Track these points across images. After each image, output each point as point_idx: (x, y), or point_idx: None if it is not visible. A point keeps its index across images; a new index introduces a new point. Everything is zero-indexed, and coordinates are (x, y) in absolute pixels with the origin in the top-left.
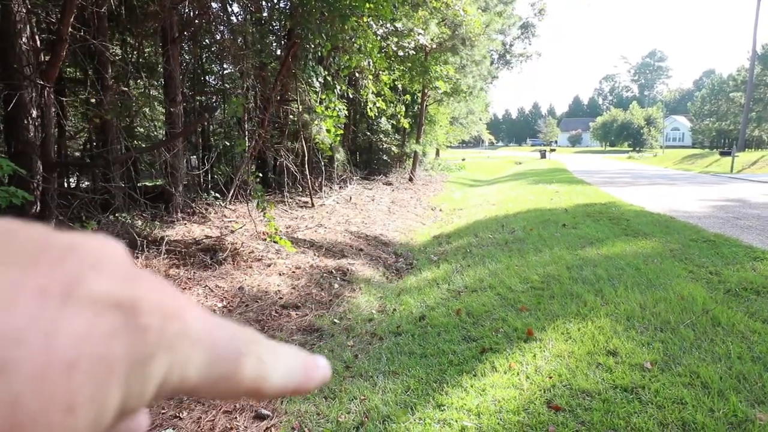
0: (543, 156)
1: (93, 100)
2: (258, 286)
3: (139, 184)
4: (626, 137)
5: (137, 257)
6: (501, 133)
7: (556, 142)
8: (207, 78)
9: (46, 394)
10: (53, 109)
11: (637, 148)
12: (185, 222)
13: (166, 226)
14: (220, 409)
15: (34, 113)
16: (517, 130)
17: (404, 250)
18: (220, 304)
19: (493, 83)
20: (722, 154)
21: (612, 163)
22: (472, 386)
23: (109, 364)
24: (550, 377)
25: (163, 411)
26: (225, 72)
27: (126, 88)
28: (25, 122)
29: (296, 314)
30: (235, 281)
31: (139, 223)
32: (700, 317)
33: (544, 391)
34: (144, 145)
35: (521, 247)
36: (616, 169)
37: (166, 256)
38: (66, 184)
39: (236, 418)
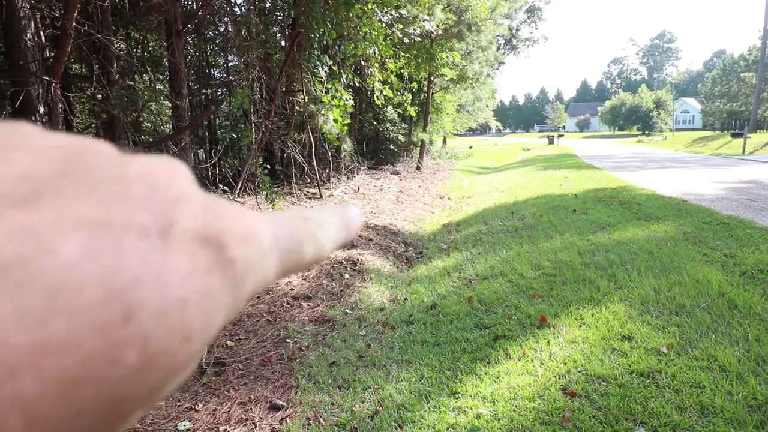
0: (551, 142)
1: (99, 96)
2: None
3: None
4: (635, 121)
5: None
6: (508, 120)
7: (564, 127)
8: (212, 71)
9: (168, 328)
10: (60, 106)
11: (647, 132)
12: None
13: None
14: (235, 401)
15: (42, 110)
16: (524, 116)
17: (414, 239)
18: None
19: (499, 69)
20: (734, 135)
21: (621, 147)
22: (486, 373)
23: (212, 296)
24: (565, 363)
25: (179, 404)
26: (230, 64)
27: (132, 83)
28: (33, 119)
29: (308, 305)
30: None
31: None
32: (716, 300)
33: (559, 378)
34: (151, 140)
35: (532, 233)
36: (626, 153)
37: None
38: None
39: (251, 409)
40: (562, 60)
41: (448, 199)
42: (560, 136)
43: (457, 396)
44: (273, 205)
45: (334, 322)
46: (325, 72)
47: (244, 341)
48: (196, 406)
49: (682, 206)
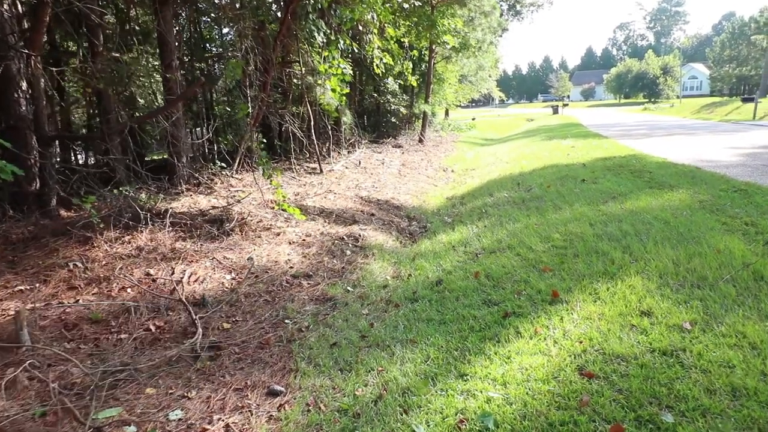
0: (555, 111)
1: (88, 71)
2: (267, 256)
3: (146, 159)
4: (641, 88)
5: (141, 231)
6: (511, 90)
7: (568, 96)
8: (207, 45)
9: None
10: (42, 81)
11: (653, 99)
12: (190, 193)
13: (171, 198)
14: (230, 387)
15: (24, 85)
16: (527, 86)
17: (417, 213)
18: (228, 276)
19: (503, 36)
20: (744, 100)
21: (627, 115)
22: (495, 353)
23: None
24: (581, 341)
25: (171, 391)
26: (225, 38)
27: (117, 54)
28: (15, 95)
29: (308, 283)
30: (244, 252)
31: (143, 196)
32: (741, 271)
33: (575, 357)
34: (140, 114)
35: (539, 205)
36: (632, 121)
37: (171, 228)
38: (74, 159)
39: (248, 395)
40: (567, 27)
41: (452, 171)
42: (565, 105)
43: (465, 378)
44: (270, 180)
45: (336, 301)
46: (322, 39)
47: (241, 323)
48: (189, 394)
49: (696, 173)
